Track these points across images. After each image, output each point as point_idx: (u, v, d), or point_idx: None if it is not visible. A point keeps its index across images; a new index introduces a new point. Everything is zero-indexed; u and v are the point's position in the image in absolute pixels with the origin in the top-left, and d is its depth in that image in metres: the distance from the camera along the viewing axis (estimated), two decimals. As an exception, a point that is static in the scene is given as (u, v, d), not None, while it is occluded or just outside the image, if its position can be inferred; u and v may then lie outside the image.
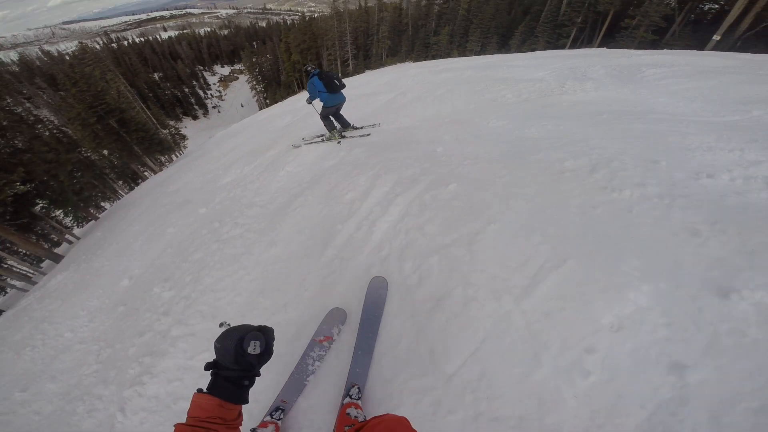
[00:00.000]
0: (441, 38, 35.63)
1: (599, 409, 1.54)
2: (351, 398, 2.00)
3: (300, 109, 10.32)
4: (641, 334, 1.67)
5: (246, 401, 1.10)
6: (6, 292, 13.98)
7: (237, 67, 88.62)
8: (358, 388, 2.06)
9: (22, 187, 11.81)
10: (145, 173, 24.50)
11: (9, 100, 15.64)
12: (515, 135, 4.48)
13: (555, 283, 2.07)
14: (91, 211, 17.91)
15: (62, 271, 7.56)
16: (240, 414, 1.11)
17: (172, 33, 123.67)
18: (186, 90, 63.15)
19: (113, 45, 69.55)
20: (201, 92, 68.37)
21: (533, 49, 28.40)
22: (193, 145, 32.15)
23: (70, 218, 16.92)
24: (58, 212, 15.71)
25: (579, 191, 2.79)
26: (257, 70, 56.10)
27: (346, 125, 6.76)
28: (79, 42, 31.73)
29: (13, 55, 70.99)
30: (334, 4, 38.26)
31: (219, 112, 64.57)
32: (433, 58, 33.41)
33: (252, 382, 1.10)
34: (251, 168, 7.09)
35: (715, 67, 7.16)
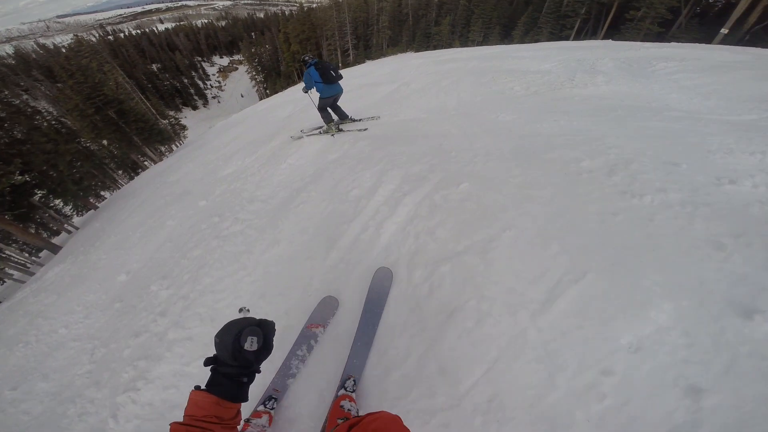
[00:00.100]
0: (442, 28, 35.11)
1: (611, 433, 1.47)
2: (346, 390, 1.98)
3: (301, 100, 10.08)
4: (660, 355, 1.59)
5: (245, 399, 1.05)
6: (4, 281, 13.90)
7: (236, 57, 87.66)
8: (354, 380, 2.05)
9: (19, 177, 11.67)
10: (145, 163, 24.30)
11: (6, 93, 15.38)
12: (527, 130, 4.30)
13: (574, 299, 1.95)
14: (91, 200, 17.75)
15: (59, 263, 7.43)
16: (238, 413, 1.07)
17: (169, 25, 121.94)
18: (185, 81, 62.48)
19: (109, 37, 68.44)
20: (200, 83, 67.68)
21: (536, 40, 28.00)
22: (193, 135, 31.84)
23: (70, 207, 16.78)
24: (57, 201, 15.56)
25: (597, 195, 2.65)
26: (256, 60, 55.43)
27: (343, 117, 6.58)
28: (75, 35, 31.27)
29: (8, 49, 69.95)
30: (332, -6, 37.71)
31: (219, 102, 64.00)
32: (435, 48, 32.92)
33: (251, 379, 1.06)
34: (252, 159, 6.92)
35: (725, 61, 7.02)
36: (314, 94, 6.11)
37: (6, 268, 13.31)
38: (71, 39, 30.64)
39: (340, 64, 39.69)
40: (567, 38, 28.49)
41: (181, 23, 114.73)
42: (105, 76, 27.50)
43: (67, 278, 6.06)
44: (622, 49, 10.16)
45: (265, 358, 1.04)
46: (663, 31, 22.81)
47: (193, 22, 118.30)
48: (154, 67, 63.14)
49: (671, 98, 5.28)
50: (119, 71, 33.73)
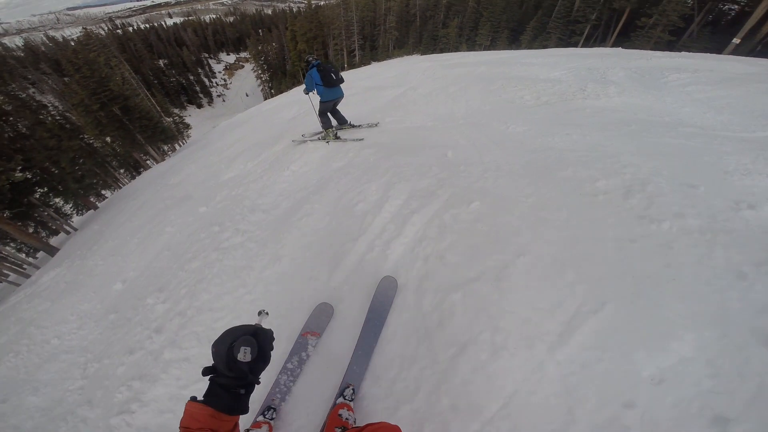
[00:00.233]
0: (449, 31, 34.86)
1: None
2: (344, 399, 1.99)
3: (306, 101, 10.01)
4: (684, 386, 1.56)
5: (243, 411, 1.01)
6: (3, 278, 13.85)
7: (242, 55, 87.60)
8: (353, 389, 2.05)
9: (19, 174, 11.59)
10: (148, 162, 24.25)
11: (13, 86, 15.36)
12: (538, 144, 4.16)
13: (593, 331, 1.88)
14: (91, 200, 17.70)
15: (55, 266, 7.33)
16: (236, 425, 1.04)
17: (177, 20, 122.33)
18: (191, 78, 62.43)
19: (118, 31, 68.49)
20: (206, 80, 67.58)
21: (545, 46, 27.85)
22: (197, 134, 31.89)
23: (70, 205, 16.71)
24: (57, 200, 15.49)
25: (614, 220, 2.54)
26: (263, 58, 55.30)
27: (342, 122, 6.46)
28: (84, 28, 31.32)
29: (18, 41, 70.30)
30: (341, -8, 37.58)
31: (224, 101, 63.97)
32: (441, 51, 32.72)
33: (250, 391, 1.02)
34: (255, 164, 6.81)
35: (738, 73, 6.98)
36: (315, 97, 5.99)
37: (2, 269, 13.26)
38: (80, 32, 30.69)
39: (345, 65, 39.64)
40: (576, 44, 28.31)
41: (190, 18, 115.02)
42: (112, 71, 27.58)
43: (62, 284, 5.95)
44: (632, 57, 10.07)
45: (262, 370, 1.01)
46: (674, 39, 22.54)
47: (202, 17, 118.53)
48: (161, 62, 63.14)
49: (684, 112, 5.21)
50: (126, 66, 33.83)
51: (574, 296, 2.07)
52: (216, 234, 4.52)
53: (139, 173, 21.80)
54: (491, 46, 32.90)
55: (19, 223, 12.76)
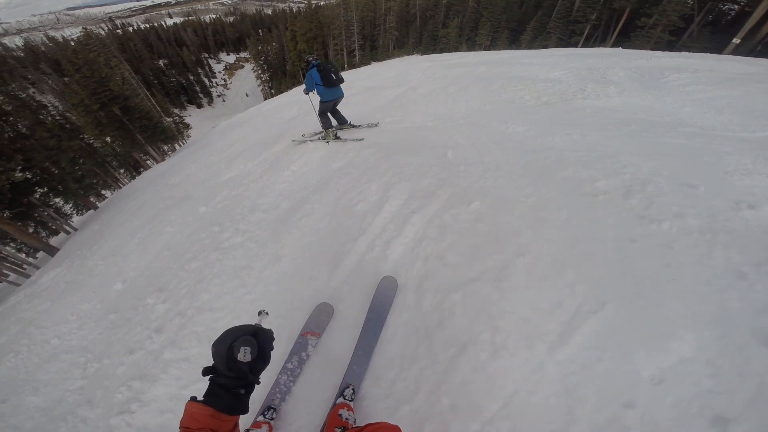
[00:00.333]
0: (449, 31, 34.81)
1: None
2: (344, 399, 2.00)
3: (306, 101, 10.03)
4: (684, 386, 1.57)
5: (243, 411, 1.01)
6: (3, 278, 13.84)
7: (242, 55, 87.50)
8: (353, 389, 2.06)
9: (19, 174, 11.59)
10: (148, 162, 24.24)
11: (13, 86, 15.35)
12: (538, 144, 4.16)
13: (593, 331, 1.88)
14: (91, 200, 17.68)
15: (55, 266, 7.32)
16: (236, 425, 1.04)
17: (178, 20, 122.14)
18: (191, 78, 62.35)
19: (118, 31, 68.40)
20: (206, 80, 67.49)
21: (545, 46, 27.83)
22: (197, 134, 31.87)
23: (70, 205, 16.70)
24: (58, 200, 15.47)
25: (614, 220, 2.55)
26: (263, 58, 55.22)
27: (342, 122, 6.45)
28: (84, 28, 31.29)
29: (18, 41, 70.24)
30: (341, -10, 37.53)
31: (224, 101, 63.90)
32: (441, 51, 32.70)
33: (250, 391, 1.03)
34: (255, 164, 6.80)
35: (738, 73, 7.00)
36: (315, 97, 5.98)
37: (2, 269, 13.24)
38: (80, 32, 30.66)
39: (345, 65, 39.60)
40: (576, 45, 28.29)
41: (190, 18, 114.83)
42: (112, 71, 27.53)
43: (62, 284, 5.95)
44: (632, 57, 10.08)
45: (262, 370, 1.01)
46: (673, 39, 22.52)
47: (202, 17, 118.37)
48: (161, 62, 63.07)
49: (684, 112, 5.22)
50: (126, 66, 33.78)
51: (574, 296, 2.07)
52: (216, 234, 4.51)
53: (139, 173, 21.78)
54: (491, 46, 32.87)
55: (19, 223, 12.75)
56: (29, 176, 13.20)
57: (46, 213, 14.34)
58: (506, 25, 32.87)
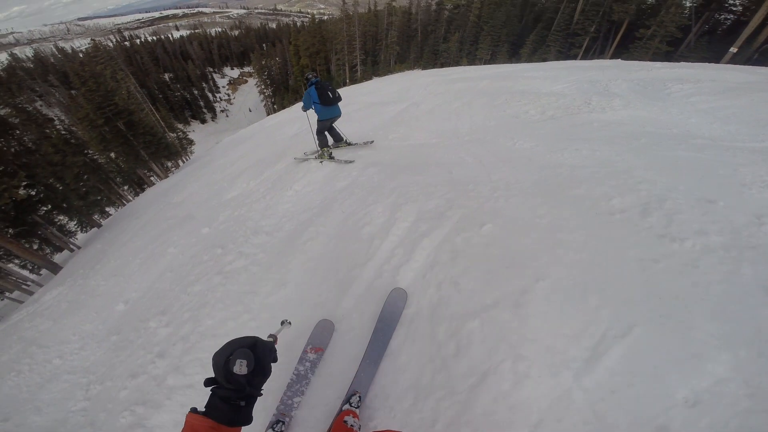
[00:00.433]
0: (450, 45, 35.26)
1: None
2: (351, 405, 1.99)
3: (312, 115, 10.12)
4: (720, 407, 1.50)
5: (244, 423, 0.99)
6: (4, 297, 13.77)
7: (246, 69, 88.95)
8: (359, 396, 2.05)
9: (23, 192, 11.60)
10: (151, 178, 24.35)
11: (21, 98, 15.55)
12: (547, 161, 4.09)
13: (621, 356, 1.80)
14: (94, 218, 17.68)
15: (58, 285, 7.28)
16: None
17: (184, 32, 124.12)
18: (195, 92, 63.27)
19: (126, 43, 69.84)
20: (210, 95, 68.52)
21: (544, 59, 28.05)
22: (201, 149, 32.15)
23: (75, 222, 16.71)
24: (62, 217, 15.48)
25: (634, 240, 2.46)
26: (266, 73, 56.07)
27: (338, 139, 6.43)
28: (92, 39, 31.82)
29: (28, 51, 71.72)
30: (344, 6, 38.11)
31: (227, 116, 64.69)
32: (442, 65, 33.09)
33: (250, 403, 1.00)
34: (257, 182, 6.77)
35: (739, 82, 7.03)
36: (313, 115, 5.96)
37: (5, 286, 13.20)
38: (89, 43, 31.16)
39: (347, 80, 40.04)
40: (575, 57, 28.54)
41: (196, 31, 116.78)
42: (117, 85, 27.89)
43: (64, 303, 5.90)
44: (633, 69, 10.13)
45: (261, 382, 1.01)
46: (671, 50, 22.72)
47: (208, 30, 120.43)
48: (167, 76, 64.08)
49: (691, 123, 5.17)
50: (132, 80, 34.25)
51: (600, 321, 1.99)
52: (219, 257, 4.44)
53: (143, 190, 21.85)
54: (492, 60, 33.19)
55: (23, 241, 12.74)
56: (33, 193, 13.25)
57: (49, 231, 14.34)
58: (506, 39, 33.23)
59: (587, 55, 29.13)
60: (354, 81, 37.73)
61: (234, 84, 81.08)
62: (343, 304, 2.82)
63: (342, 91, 6.12)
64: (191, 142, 34.94)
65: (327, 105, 5.57)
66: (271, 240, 4.29)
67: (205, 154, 18.23)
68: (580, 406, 1.68)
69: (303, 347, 2.52)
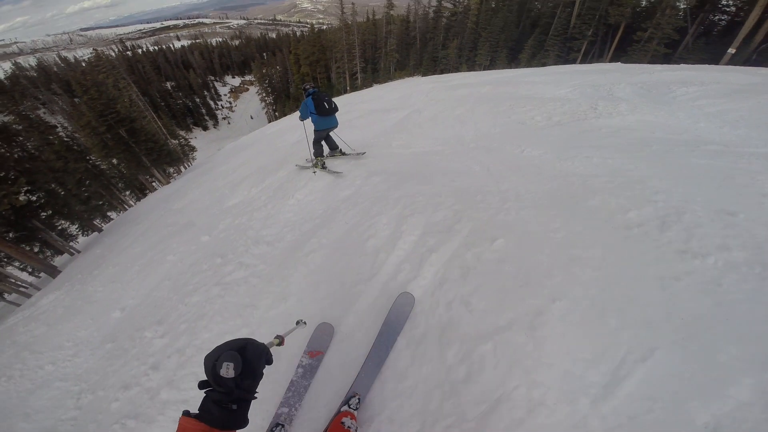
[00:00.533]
0: (449, 51, 35.35)
1: None
2: (349, 407, 1.97)
3: (309, 124, 10.05)
4: None
5: (239, 426, 0.97)
6: (1, 300, 13.65)
7: (247, 78, 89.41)
8: (359, 398, 2.03)
9: (23, 198, 11.52)
10: (153, 184, 24.33)
11: (26, 104, 15.64)
12: (558, 169, 3.97)
13: (641, 381, 1.69)
14: (95, 223, 17.61)
15: (55, 290, 7.19)
16: None
17: (185, 42, 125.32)
18: (197, 100, 63.58)
19: (128, 53, 70.29)
20: (212, 103, 68.81)
21: (543, 64, 28.12)
22: (202, 156, 32.15)
23: (76, 226, 16.64)
24: (63, 222, 15.41)
25: (654, 256, 2.34)
26: (267, 81, 56.38)
27: (333, 148, 6.39)
28: (94, 49, 32.05)
29: (32, 61, 72.41)
30: (342, 16, 38.36)
31: (229, 123, 64.88)
32: (442, 72, 33.11)
33: (243, 406, 0.98)
34: (259, 190, 6.67)
35: (743, 84, 7.05)
36: (310, 125, 5.93)
37: (3, 288, 13.10)
38: (91, 53, 31.38)
39: (348, 87, 40.19)
40: (574, 61, 28.55)
41: (197, 41, 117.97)
42: (119, 93, 28.00)
43: (60, 309, 5.82)
44: (634, 72, 10.13)
45: (251, 385, 0.99)
46: (669, 52, 22.71)
47: (209, 40, 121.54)
48: (169, 84, 64.45)
49: (700, 127, 5.10)
50: (134, 88, 34.41)
51: (619, 343, 1.87)
52: (218, 267, 4.32)
53: (145, 195, 21.81)
54: (491, 65, 33.26)
55: (23, 245, 12.66)
56: (33, 199, 13.18)
57: (49, 236, 14.26)
58: (505, 45, 33.29)
59: (586, 59, 29.11)
60: (355, 88, 37.84)
61: (235, 92, 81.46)
62: (347, 320, 2.68)
63: (343, 99, 6.08)
64: (193, 149, 35.01)
65: (324, 115, 5.54)
66: (272, 251, 4.16)
67: (206, 161, 18.21)
68: (597, 434, 1.56)
69: (303, 351, 2.49)
